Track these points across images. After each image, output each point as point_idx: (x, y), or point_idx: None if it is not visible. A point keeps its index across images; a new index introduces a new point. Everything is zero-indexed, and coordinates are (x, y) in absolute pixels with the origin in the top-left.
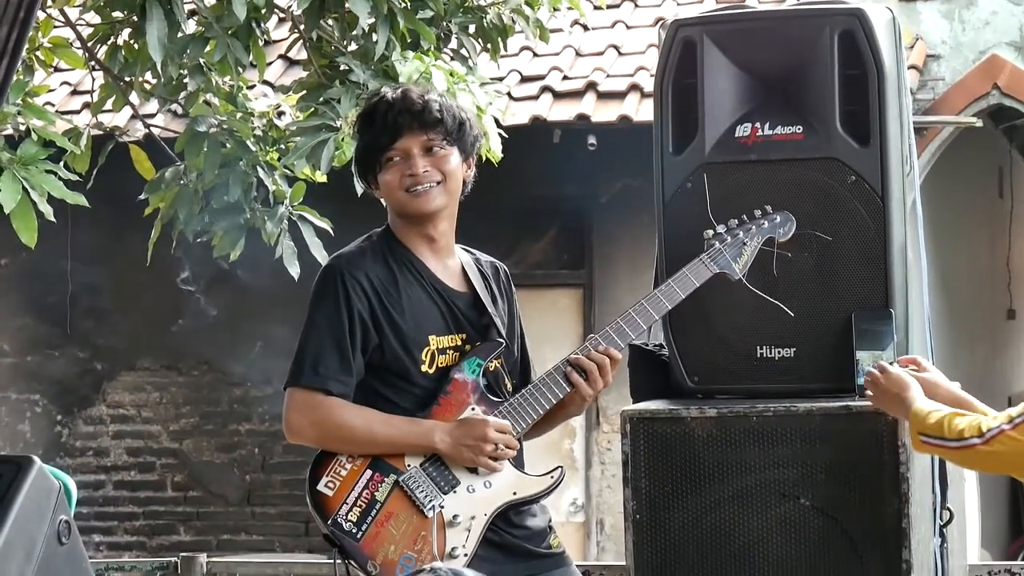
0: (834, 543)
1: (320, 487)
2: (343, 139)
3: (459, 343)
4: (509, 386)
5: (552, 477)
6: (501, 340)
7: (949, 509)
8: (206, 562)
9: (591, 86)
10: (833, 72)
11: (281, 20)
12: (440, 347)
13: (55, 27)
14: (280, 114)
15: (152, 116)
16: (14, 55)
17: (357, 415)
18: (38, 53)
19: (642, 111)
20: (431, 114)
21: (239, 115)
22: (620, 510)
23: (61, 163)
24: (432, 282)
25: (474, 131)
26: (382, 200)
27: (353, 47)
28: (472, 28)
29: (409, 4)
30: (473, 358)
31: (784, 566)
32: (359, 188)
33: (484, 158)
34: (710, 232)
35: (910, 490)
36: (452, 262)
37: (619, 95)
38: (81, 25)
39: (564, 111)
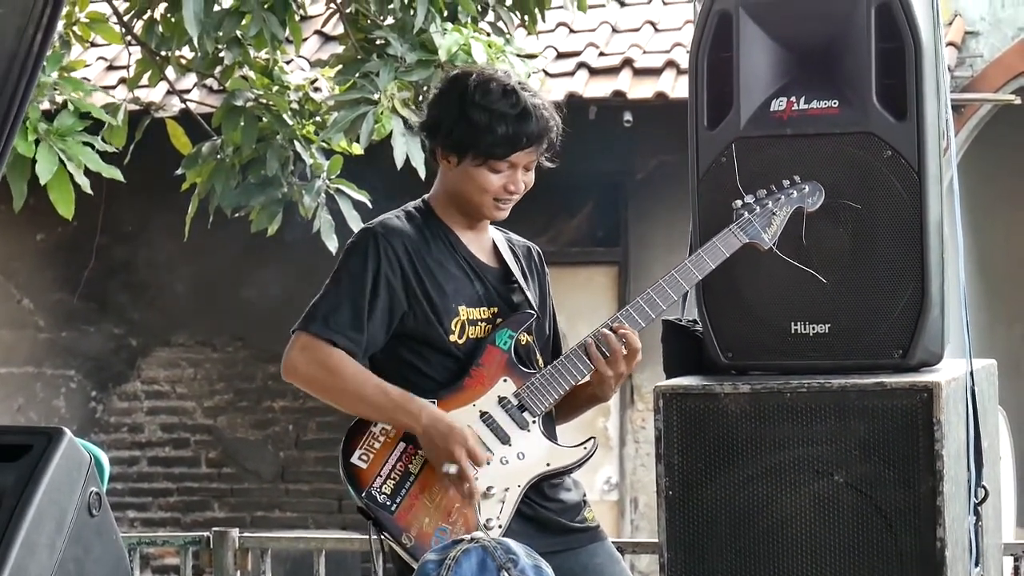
0: (868, 520)
1: (354, 460)
2: (382, 112)
3: (490, 316)
4: (541, 362)
5: (585, 448)
6: (532, 312)
7: (984, 487)
8: (238, 537)
9: (627, 62)
10: (870, 46)
11: None
12: (471, 318)
13: (92, 2)
14: (316, 89)
15: (188, 91)
16: (48, 27)
17: (355, 371)
18: (75, 28)
19: (678, 88)
20: (556, 139)
21: (275, 88)
22: (654, 488)
23: (98, 137)
24: (465, 255)
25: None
26: (442, 166)
27: (390, 20)
28: (509, 0)
29: None
30: (505, 330)
31: (817, 543)
32: (399, 162)
33: None
34: (739, 202)
35: (945, 468)
36: (485, 237)
37: (655, 72)
38: (118, 0)
39: (600, 88)
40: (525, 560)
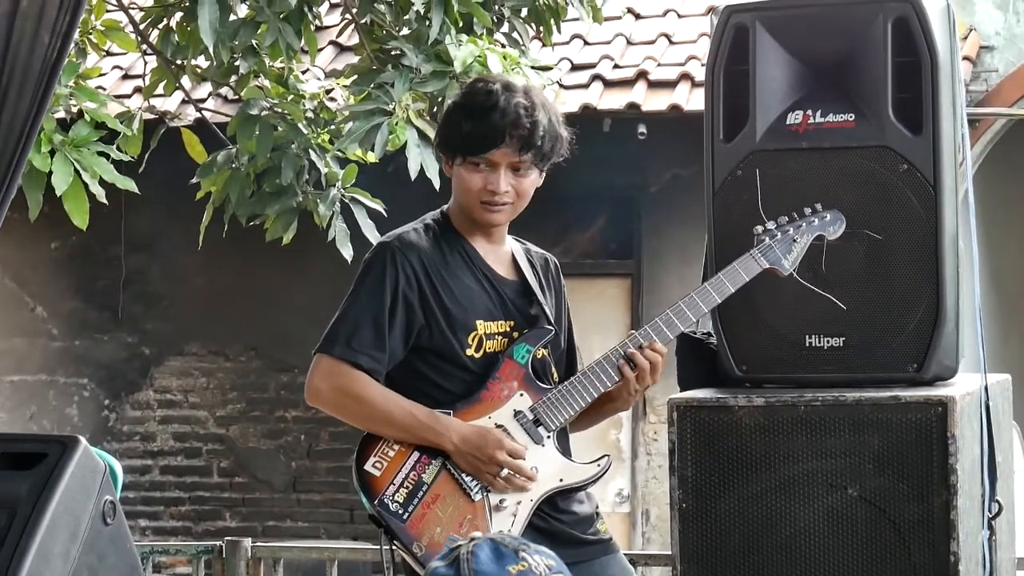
0: (881, 534)
1: (367, 467)
2: (396, 123)
3: (507, 329)
4: (556, 376)
5: (599, 465)
6: (551, 328)
7: (998, 502)
8: (250, 547)
9: (642, 75)
10: (886, 59)
11: (333, 6)
12: (488, 332)
13: (108, 10)
14: (331, 99)
15: (203, 100)
16: (66, 36)
17: (380, 393)
18: (91, 36)
19: (693, 100)
20: (533, 138)
21: (290, 97)
22: (666, 501)
23: (113, 146)
24: (482, 268)
25: (561, 144)
26: (445, 171)
27: (406, 31)
28: (524, 12)
29: None
30: (523, 344)
31: (831, 556)
32: (413, 172)
33: None
34: (760, 228)
35: (959, 482)
36: (503, 249)
37: (670, 84)
38: (133, 9)
39: (615, 100)
40: (531, 544)
